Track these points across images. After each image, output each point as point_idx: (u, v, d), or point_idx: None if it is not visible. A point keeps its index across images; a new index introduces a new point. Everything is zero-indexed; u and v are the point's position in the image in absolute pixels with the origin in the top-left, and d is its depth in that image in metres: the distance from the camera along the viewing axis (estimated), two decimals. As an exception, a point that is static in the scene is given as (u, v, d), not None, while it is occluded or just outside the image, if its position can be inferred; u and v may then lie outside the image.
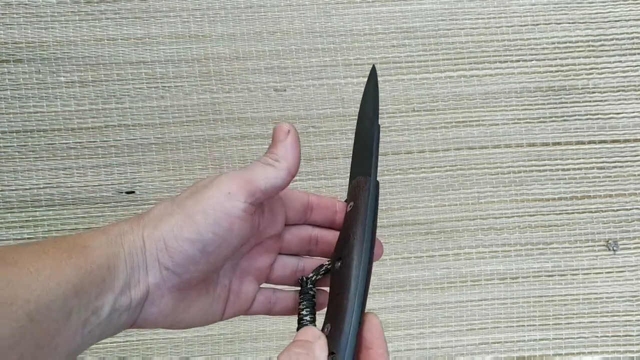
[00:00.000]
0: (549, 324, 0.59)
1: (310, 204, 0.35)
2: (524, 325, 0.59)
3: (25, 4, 0.58)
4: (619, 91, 0.59)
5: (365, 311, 0.29)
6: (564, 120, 0.59)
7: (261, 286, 0.35)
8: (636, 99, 0.59)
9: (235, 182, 0.29)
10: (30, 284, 0.24)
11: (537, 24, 0.59)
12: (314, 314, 0.32)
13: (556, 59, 0.59)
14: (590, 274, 0.59)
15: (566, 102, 0.59)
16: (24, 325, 0.24)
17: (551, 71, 0.59)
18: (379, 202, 0.32)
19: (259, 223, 0.32)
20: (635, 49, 0.59)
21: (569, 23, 0.59)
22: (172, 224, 0.29)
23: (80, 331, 0.26)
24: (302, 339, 0.29)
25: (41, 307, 0.24)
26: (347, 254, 0.30)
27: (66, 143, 0.59)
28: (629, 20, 0.59)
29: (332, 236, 0.35)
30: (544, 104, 0.59)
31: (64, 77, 0.58)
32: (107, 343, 0.58)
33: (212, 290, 0.33)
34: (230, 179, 0.29)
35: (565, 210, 0.59)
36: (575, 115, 0.59)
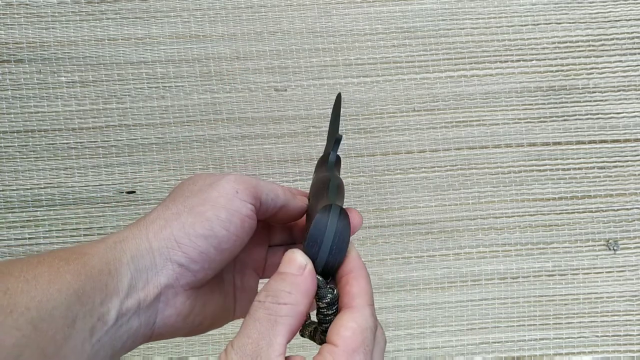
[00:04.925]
0: (549, 324, 0.59)
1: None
2: (524, 325, 0.59)
3: (26, 4, 0.58)
4: (619, 91, 0.59)
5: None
6: (565, 120, 0.59)
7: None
8: (637, 98, 0.59)
9: (242, 184, 0.30)
10: (29, 290, 0.24)
11: (538, 24, 0.59)
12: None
13: (557, 59, 0.59)
14: (591, 273, 0.59)
15: (567, 102, 0.59)
16: (28, 335, 0.23)
17: (552, 71, 0.59)
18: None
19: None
20: (635, 48, 0.59)
21: (570, 23, 0.59)
22: (182, 222, 0.29)
23: (88, 340, 0.25)
24: (285, 271, 0.27)
25: (44, 314, 0.23)
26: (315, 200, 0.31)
27: (67, 143, 0.59)
28: (629, 19, 0.59)
29: None
30: (544, 103, 0.59)
31: (65, 77, 0.58)
32: (108, 343, 0.58)
33: (221, 286, 0.33)
34: (237, 179, 0.30)
35: (566, 210, 0.59)
36: (575, 115, 0.59)
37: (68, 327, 0.24)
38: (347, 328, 0.25)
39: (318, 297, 0.27)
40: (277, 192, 0.32)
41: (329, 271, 0.28)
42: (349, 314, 0.26)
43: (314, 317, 0.30)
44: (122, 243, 0.28)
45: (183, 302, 0.30)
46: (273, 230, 0.36)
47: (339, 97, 0.37)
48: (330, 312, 0.28)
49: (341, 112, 0.38)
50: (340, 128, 0.60)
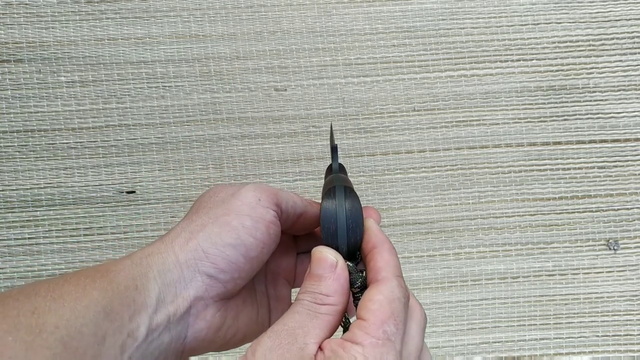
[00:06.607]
0: (549, 324, 0.59)
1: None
2: (524, 325, 0.59)
3: (26, 4, 0.58)
4: (619, 90, 0.59)
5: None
6: (565, 120, 0.59)
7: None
8: (637, 98, 0.59)
9: (264, 192, 0.30)
10: (57, 309, 0.23)
11: (538, 23, 0.59)
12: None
13: (557, 58, 0.59)
14: (591, 273, 0.59)
15: (567, 102, 0.59)
16: (59, 353, 0.22)
17: (552, 70, 0.59)
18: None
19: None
20: (635, 48, 0.59)
21: (570, 22, 0.59)
22: (208, 232, 0.29)
23: (119, 357, 0.25)
24: (318, 272, 0.27)
25: (73, 332, 0.23)
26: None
27: (67, 143, 0.59)
28: (629, 19, 0.59)
29: None
30: (544, 103, 0.59)
31: (64, 76, 0.58)
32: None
33: (253, 297, 0.33)
34: (257, 188, 0.30)
35: (566, 209, 0.59)
36: (575, 115, 0.59)
37: (98, 344, 0.24)
38: (374, 301, 0.25)
39: (350, 284, 0.27)
40: (295, 199, 0.32)
41: (353, 250, 0.29)
42: (375, 288, 0.26)
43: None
44: (148, 258, 0.28)
45: (213, 314, 0.29)
46: (299, 237, 0.36)
47: (331, 127, 0.39)
48: None
49: (336, 129, 0.39)
50: (340, 129, 0.61)
